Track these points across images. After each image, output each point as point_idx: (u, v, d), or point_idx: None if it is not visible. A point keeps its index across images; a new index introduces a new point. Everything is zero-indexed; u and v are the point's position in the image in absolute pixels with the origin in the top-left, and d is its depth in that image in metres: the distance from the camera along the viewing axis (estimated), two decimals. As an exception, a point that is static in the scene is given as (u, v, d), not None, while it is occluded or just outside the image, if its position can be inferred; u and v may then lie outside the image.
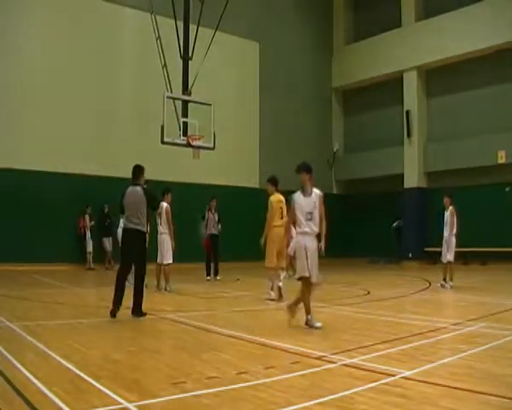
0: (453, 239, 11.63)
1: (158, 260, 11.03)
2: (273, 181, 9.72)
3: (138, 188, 7.63)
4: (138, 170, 7.79)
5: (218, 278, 13.85)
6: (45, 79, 17.38)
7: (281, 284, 9.46)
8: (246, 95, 22.28)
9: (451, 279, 11.51)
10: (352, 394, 3.75)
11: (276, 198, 9.56)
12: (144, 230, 7.58)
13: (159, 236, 11.00)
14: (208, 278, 13.92)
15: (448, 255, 11.55)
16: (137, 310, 7.41)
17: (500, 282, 13.96)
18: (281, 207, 9.54)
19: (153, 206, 7.97)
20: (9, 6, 16.94)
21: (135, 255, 7.52)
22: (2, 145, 16.61)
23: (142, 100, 18.84)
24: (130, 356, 5.03)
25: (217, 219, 14.04)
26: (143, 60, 18.93)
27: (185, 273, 15.09)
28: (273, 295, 9.42)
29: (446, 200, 11.84)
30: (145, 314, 7.42)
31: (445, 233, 11.71)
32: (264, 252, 9.58)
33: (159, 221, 11.02)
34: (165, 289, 10.82)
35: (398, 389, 3.85)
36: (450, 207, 11.71)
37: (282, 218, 9.40)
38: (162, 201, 11.03)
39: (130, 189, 7.67)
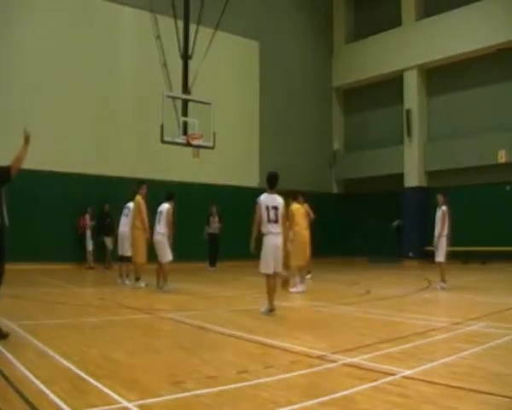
0: (444, 239, 11.08)
1: (158, 260, 11.01)
2: (292, 194, 10.98)
3: None
4: None
5: (214, 267, 16.88)
6: (45, 79, 17.34)
7: (309, 276, 12.50)
8: (246, 94, 22.26)
9: (443, 281, 10.99)
10: (353, 393, 3.74)
11: (296, 207, 10.89)
12: None
13: (154, 236, 10.97)
14: (210, 267, 16.83)
15: (439, 256, 11.12)
16: None
17: (500, 281, 13.95)
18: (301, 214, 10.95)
19: (3, 179, 5.94)
20: (9, 6, 16.91)
21: None
22: (1, 145, 16.57)
23: (142, 99, 18.82)
24: (130, 355, 5.02)
25: (217, 220, 16.82)
26: (143, 59, 18.92)
27: (185, 273, 15.07)
28: (300, 288, 10.64)
29: (439, 197, 11.31)
30: (4, 336, 5.54)
31: (436, 232, 11.16)
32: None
33: (157, 220, 10.98)
34: (161, 288, 10.74)
35: (398, 389, 3.85)
36: (443, 207, 11.17)
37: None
38: (164, 203, 11.04)
39: None
